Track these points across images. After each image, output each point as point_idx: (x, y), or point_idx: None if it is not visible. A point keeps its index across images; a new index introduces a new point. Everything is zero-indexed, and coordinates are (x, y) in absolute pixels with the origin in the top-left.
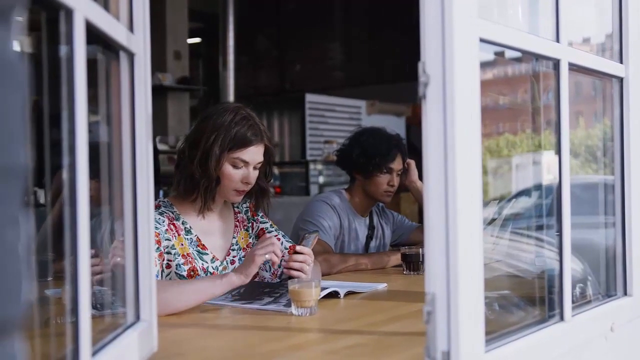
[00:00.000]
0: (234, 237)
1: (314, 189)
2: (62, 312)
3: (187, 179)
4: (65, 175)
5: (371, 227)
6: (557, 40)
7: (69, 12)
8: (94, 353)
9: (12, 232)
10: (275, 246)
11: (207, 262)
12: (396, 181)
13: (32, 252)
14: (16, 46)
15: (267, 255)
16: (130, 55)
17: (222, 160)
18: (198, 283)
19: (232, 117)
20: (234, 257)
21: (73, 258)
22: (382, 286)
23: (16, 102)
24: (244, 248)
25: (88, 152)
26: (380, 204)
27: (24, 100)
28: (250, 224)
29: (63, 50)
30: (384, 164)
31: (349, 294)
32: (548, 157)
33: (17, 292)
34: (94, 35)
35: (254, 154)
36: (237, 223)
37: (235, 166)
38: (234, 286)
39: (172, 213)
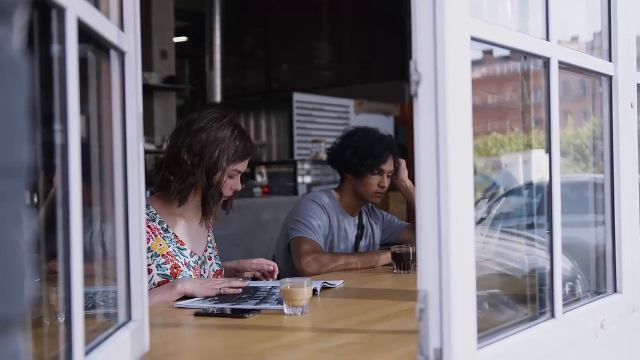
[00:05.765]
0: (208, 236)
1: (302, 189)
2: (51, 312)
3: (187, 188)
4: (56, 175)
5: (360, 227)
6: (547, 38)
7: (61, 11)
8: (87, 352)
9: (16, 229)
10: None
11: (187, 257)
12: (386, 182)
13: (33, 250)
14: (18, 45)
15: (221, 291)
16: (121, 54)
17: (226, 173)
18: (150, 299)
19: (231, 130)
20: (210, 253)
21: (65, 258)
22: (339, 283)
23: (19, 101)
24: (215, 247)
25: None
26: (370, 204)
27: (26, 99)
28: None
29: (55, 48)
30: (376, 165)
31: (323, 288)
32: (537, 156)
33: (20, 289)
34: (85, 34)
35: (246, 164)
36: (210, 224)
37: (230, 176)
38: (183, 294)
39: (148, 214)
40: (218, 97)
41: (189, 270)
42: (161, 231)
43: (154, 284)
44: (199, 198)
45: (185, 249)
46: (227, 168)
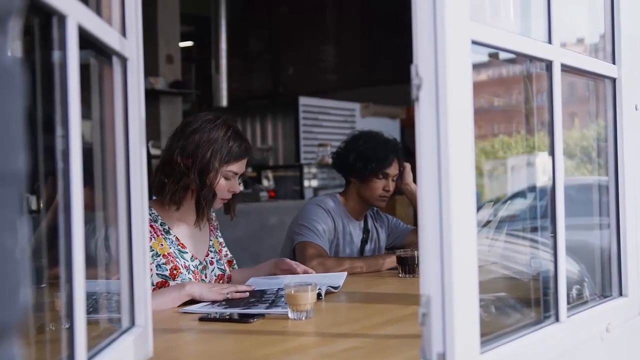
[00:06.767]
0: (210, 240)
1: (308, 193)
2: (56, 318)
3: (181, 190)
4: (59, 181)
5: (366, 231)
6: (550, 41)
7: (62, 18)
8: (89, 358)
9: (11, 237)
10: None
11: (187, 261)
12: (391, 186)
13: (29, 257)
14: (14, 52)
15: (228, 295)
16: (123, 60)
17: (219, 174)
18: (158, 299)
19: (224, 131)
20: (212, 258)
21: (67, 264)
22: (342, 277)
23: (15, 108)
24: (218, 251)
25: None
26: (375, 207)
27: (21, 106)
28: (218, 232)
29: (56, 55)
30: (380, 169)
31: (327, 293)
32: (543, 159)
33: (16, 296)
34: (87, 40)
35: (243, 165)
36: (212, 228)
37: (226, 178)
38: (191, 297)
39: (150, 215)
40: (224, 101)
41: (189, 273)
42: (163, 232)
43: (152, 284)
44: None
45: (187, 253)
46: (220, 169)
